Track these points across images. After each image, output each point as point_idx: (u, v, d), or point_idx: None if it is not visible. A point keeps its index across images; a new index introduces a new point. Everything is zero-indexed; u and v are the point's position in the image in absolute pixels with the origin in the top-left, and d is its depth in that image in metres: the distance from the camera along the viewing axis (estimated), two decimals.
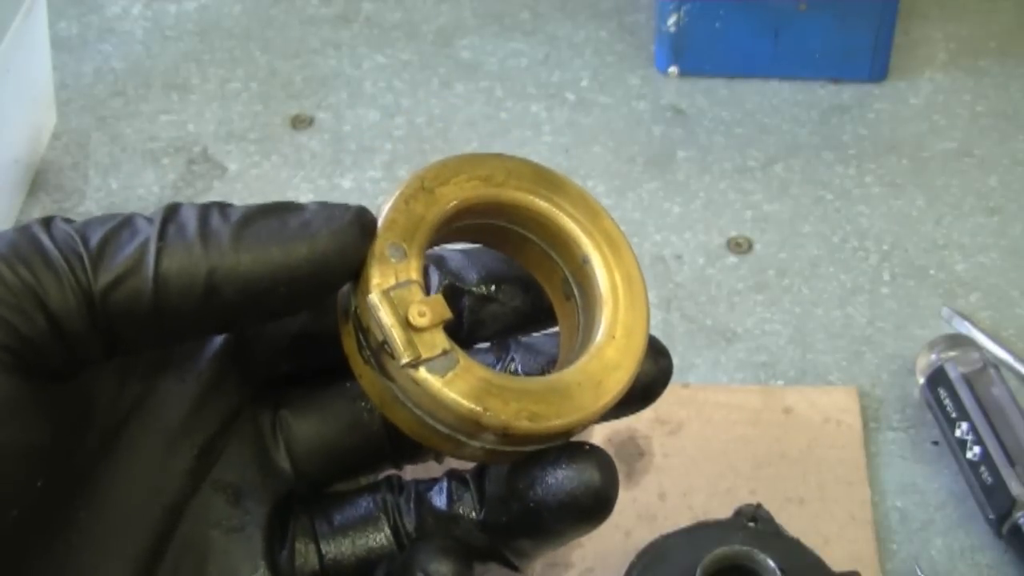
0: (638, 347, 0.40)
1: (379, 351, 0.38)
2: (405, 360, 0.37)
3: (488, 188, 0.41)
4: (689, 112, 0.96)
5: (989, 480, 0.70)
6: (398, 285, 0.38)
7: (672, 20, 0.96)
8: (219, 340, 0.41)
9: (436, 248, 0.43)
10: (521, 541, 0.40)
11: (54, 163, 0.93)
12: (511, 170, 0.41)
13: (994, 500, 0.69)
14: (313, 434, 0.42)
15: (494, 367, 0.43)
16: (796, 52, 0.96)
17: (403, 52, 1.01)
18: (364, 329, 0.38)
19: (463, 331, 0.43)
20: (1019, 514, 0.68)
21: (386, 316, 0.37)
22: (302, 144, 0.94)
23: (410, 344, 0.37)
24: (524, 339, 0.44)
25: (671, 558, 0.64)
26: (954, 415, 0.73)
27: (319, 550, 0.40)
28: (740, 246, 0.86)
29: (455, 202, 0.40)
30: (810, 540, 0.65)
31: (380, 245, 0.38)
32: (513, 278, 0.43)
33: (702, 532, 0.65)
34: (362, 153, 0.93)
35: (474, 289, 0.43)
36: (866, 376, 0.78)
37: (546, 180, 0.42)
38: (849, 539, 0.69)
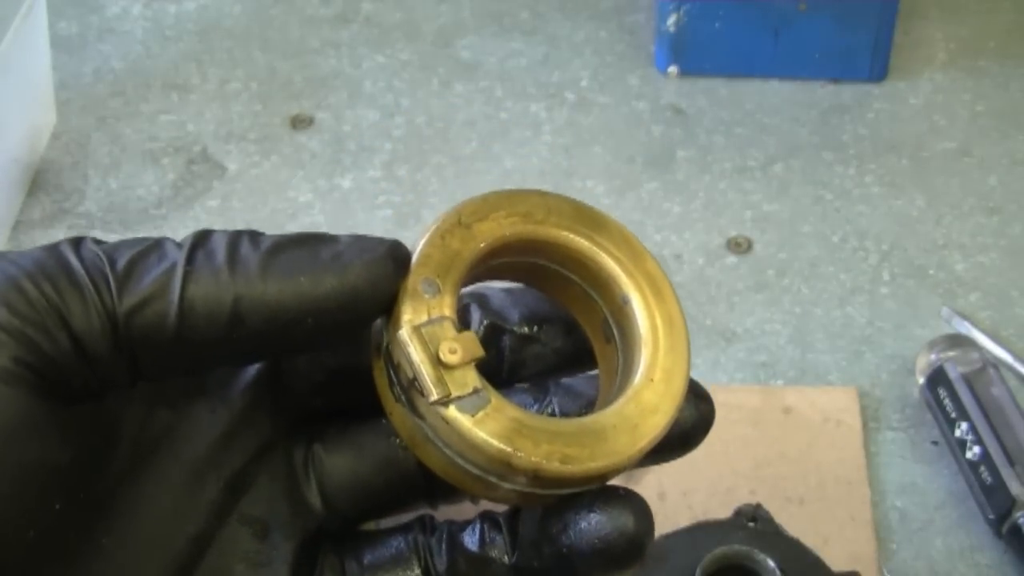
0: (678, 391, 0.39)
1: (409, 388, 0.37)
2: (434, 398, 0.36)
3: (527, 225, 0.40)
4: (689, 112, 0.96)
5: (989, 480, 0.70)
6: (430, 321, 0.37)
7: (672, 20, 0.96)
8: (253, 372, 0.40)
9: (478, 286, 0.42)
10: None
11: (54, 163, 0.93)
12: (551, 207, 0.40)
13: (994, 500, 0.70)
14: (346, 470, 0.41)
15: (532, 408, 0.42)
16: (796, 52, 0.96)
17: (403, 52, 1.01)
18: (395, 365, 0.37)
19: (503, 371, 0.42)
20: (1019, 514, 0.68)
21: (416, 352, 0.36)
22: (302, 144, 0.94)
23: (440, 382, 0.36)
24: (564, 381, 0.43)
25: (671, 558, 0.64)
26: (954, 415, 0.73)
27: None
28: (740, 246, 0.86)
29: (492, 239, 0.39)
30: (810, 540, 0.65)
31: (413, 280, 0.37)
32: (556, 319, 0.42)
33: (702, 532, 0.65)
34: (362, 153, 0.93)
35: (516, 329, 0.42)
36: (866, 376, 0.78)
37: (587, 218, 0.41)
38: (849, 539, 0.69)
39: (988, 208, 0.89)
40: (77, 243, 0.36)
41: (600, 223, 0.41)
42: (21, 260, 0.35)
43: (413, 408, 0.37)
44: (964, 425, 0.72)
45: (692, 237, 0.87)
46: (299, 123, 0.96)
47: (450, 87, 0.98)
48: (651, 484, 0.70)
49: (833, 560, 0.64)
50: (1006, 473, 0.70)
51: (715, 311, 0.82)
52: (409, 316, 0.37)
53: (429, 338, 0.37)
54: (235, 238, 0.36)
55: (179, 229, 0.88)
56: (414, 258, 0.38)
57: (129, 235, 0.88)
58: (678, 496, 0.70)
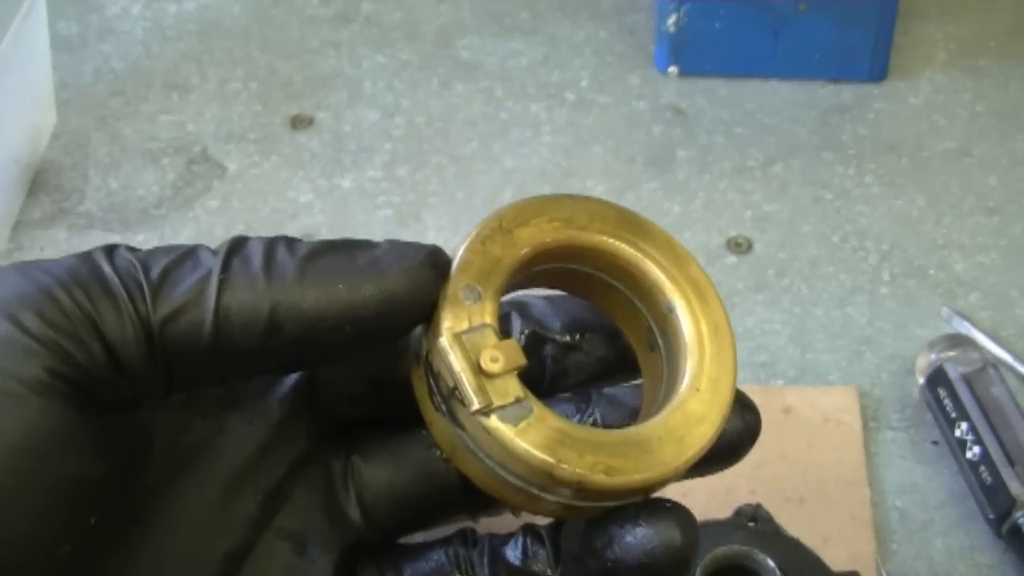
0: (724, 400, 0.38)
1: (450, 397, 0.36)
2: (476, 407, 0.35)
3: (569, 231, 0.39)
4: (689, 112, 0.96)
5: (989, 480, 0.70)
6: (471, 329, 0.36)
7: (672, 20, 0.96)
8: (290, 382, 0.39)
9: (520, 294, 0.41)
10: None
11: (54, 163, 0.93)
12: (594, 213, 0.40)
13: (994, 500, 0.69)
14: (385, 482, 0.40)
15: (574, 419, 0.41)
16: (796, 52, 0.96)
17: (403, 52, 1.01)
18: (435, 374, 0.36)
19: (545, 380, 0.41)
20: (1019, 514, 0.68)
21: (457, 361, 0.35)
22: (302, 144, 0.94)
23: (481, 390, 0.35)
24: (606, 390, 0.42)
25: None
26: (954, 415, 0.73)
27: None
28: (740, 246, 0.86)
29: (534, 245, 0.38)
30: (810, 540, 0.65)
31: (454, 287, 0.36)
32: (598, 327, 0.41)
33: (702, 532, 0.65)
34: (362, 153, 0.93)
35: (558, 337, 0.41)
36: (866, 376, 0.78)
37: (630, 224, 0.40)
38: (849, 539, 0.69)
39: (988, 208, 0.89)
40: (111, 251, 0.35)
41: (644, 228, 0.40)
42: (54, 268, 0.34)
43: (453, 418, 0.36)
44: (964, 425, 0.72)
45: (692, 237, 0.87)
46: (299, 123, 0.96)
47: (450, 87, 0.98)
48: None
49: (833, 560, 0.64)
50: (1006, 473, 0.70)
51: None
52: (450, 323, 0.36)
53: (470, 346, 0.36)
54: (271, 245, 0.36)
55: (179, 229, 0.88)
56: (454, 264, 0.37)
57: (129, 235, 0.88)
58: (678, 496, 0.70)
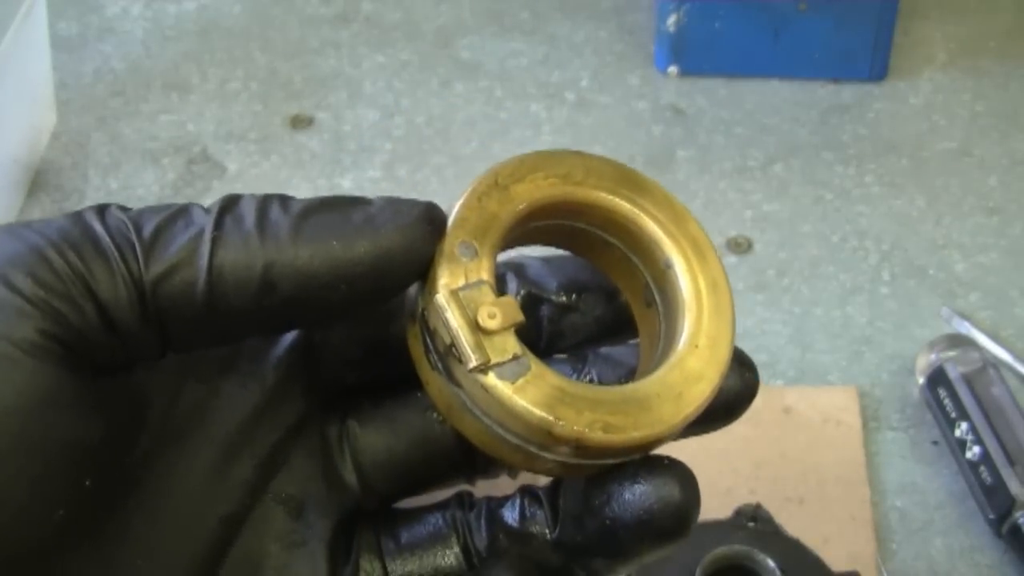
0: (723, 358, 0.38)
1: (446, 355, 0.35)
2: (473, 364, 0.34)
3: (566, 187, 0.38)
4: (689, 112, 0.96)
5: (989, 480, 0.70)
6: (467, 286, 0.35)
7: (672, 20, 0.96)
8: (285, 346, 0.39)
9: (515, 255, 0.40)
10: (596, 561, 0.37)
11: (54, 163, 0.93)
12: (591, 168, 0.39)
13: (994, 500, 0.69)
14: (381, 446, 0.40)
15: (571, 378, 0.40)
16: (796, 52, 0.96)
17: (403, 52, 1.01)
18: (431, 332, 0.36)
19: (542, 342, 0.40)
20: (1019, 514, 0.68)
21: (454, 317, 0.35)
22: (302, 144, 0.94)
23: (479, 347, 0.35)
24: (603, 350, 0.41)
25: (671, 558, 0.64)
26: (954, 415, 0.73)
27: (384, 568, 0.38)
28: (740, 246, 0.86)
29: (531, 201, 0.38)
30: (810, 540, 0.65)
31: (450, 243, 0.36)
32: (595, 287, 0.41)
33: (702, 532, 0.65)
34: (362, 153, 0.93)
35: (554, 298, 0.40)
36: (866, 376, 0.78)
37: (628, 180, 0.40)
38: (849, 539, 0.69)
39: (988, 208, 0.89)
40: (102, 210, 0.35)
41: (642, 185, 0.40)
42: (45, 229, 0.34)
43: (450, 376, 0.36)
44: (964, 425, 0.72)
45: None
46: (299, 123, 0.96)
47: (450, 87, 0.98)
48: None
49: (833, 560, 0.64)
50: (1006, 473, 0.70)
51: None
52: (446, 280, 0.35)
53: (467, 302, 0.35)
54: (264, 202, 0.35)
55: None
56: (450, 220, 0.37)
57: None
58: None
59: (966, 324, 0.80)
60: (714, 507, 0.68)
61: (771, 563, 0.59)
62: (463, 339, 0.35)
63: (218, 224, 0.34)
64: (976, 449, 0.71)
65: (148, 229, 0.34)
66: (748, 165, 0.92)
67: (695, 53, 0.97)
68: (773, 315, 0.82)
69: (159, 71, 1.00)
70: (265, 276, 0.34)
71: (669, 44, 0.97)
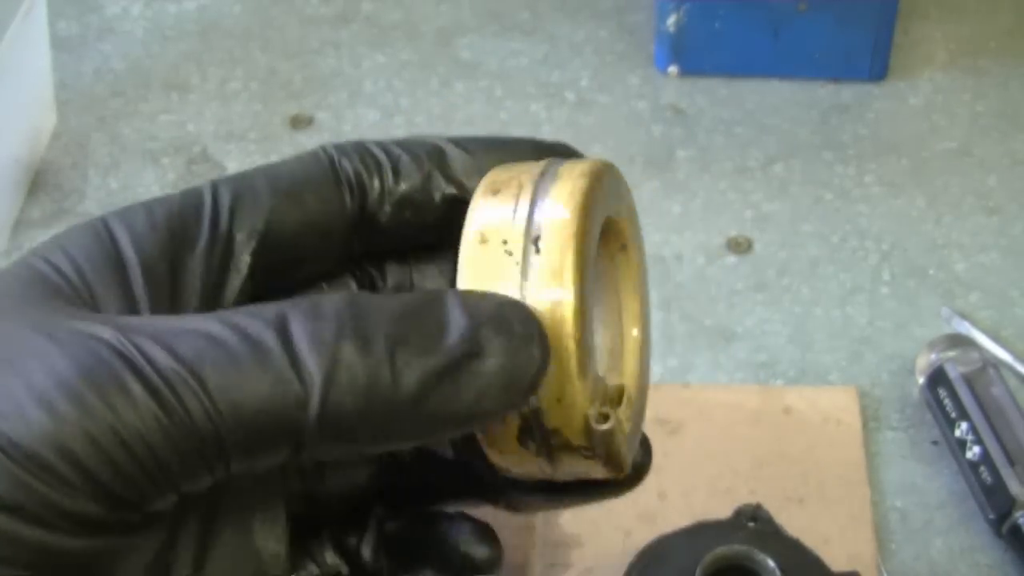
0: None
1: (561, 448, 0.34)
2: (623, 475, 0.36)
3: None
4: (689, 112, 0.96)
5: (989, 480, 0.70)
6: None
7: (672, 20, 0.96)
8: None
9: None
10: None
11: (54, 163, 0.93)
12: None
13: (994, 500, 0.69)
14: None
15: None
16: (796, 52, 0.96)
17: (403, 52, 1.01)
18: (546, 429, 0.34)
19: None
20: (1019, 514, 0.68)
21: (614, 444, 0.34)
22: (302, 144, 0.94)
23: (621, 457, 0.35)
24: None
25: (671, 558, 0.64)
26: (954, 415, 0.73)
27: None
28: (740, 246, 0.86)
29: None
30: (810, 540, 0.65)
31: (580, 355, 0.33)
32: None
33: (702, 532, 0.65)
34: None
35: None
36: (866, 376, 0.78)
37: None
38: (849, 539, 0.69)
39: (988, 208, 0.89)
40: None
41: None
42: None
43: (550, 457, 0.35)
44: (964, 425, 0.72)
45: (692, 237, 0.87)
46: (299, 123, 0.96)
47: (450, 87, 0.98)
48: (651, 484, 0.70)
49: (833, 560, 0.64)
50: (1006, 473, 0.70)
51: (715, 311, 0.82)
52: (591, 410, 0.34)
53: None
54: (374, 371, 0.32)
55: None
56: (571, 311, 0.34)
57: None
58: (678, 496, 0.70)
59: (966, 324, 0.80)
60: (714, 507, 0.68)
61: (771, 563, 0.59)
62: (622, 461, 0.35)
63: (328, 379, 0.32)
64: (976, 449, 0.71)
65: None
66: (748, 165, 0.92)
67: (695, 53, 0.97)
68: (773, 315, 0.82)
69: (159, 71, 1.00)
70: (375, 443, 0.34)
71: (669, 44, 0.97)
